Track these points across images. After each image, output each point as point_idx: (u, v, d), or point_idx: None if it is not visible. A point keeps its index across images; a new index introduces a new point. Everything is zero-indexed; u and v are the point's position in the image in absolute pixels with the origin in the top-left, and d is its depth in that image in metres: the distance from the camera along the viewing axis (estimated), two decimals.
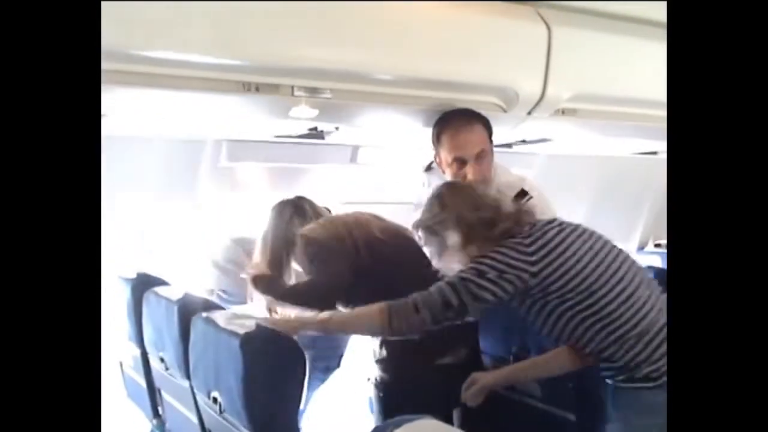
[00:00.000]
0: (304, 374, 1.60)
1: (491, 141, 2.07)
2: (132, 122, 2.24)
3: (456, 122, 2.05)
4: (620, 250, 1.65)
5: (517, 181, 2.00)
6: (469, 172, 1.99)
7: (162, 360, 2.05)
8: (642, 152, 3.25)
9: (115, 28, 1.47)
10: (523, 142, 2.81)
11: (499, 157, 2.14)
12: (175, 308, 1.92)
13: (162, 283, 2.23)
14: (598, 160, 3.37)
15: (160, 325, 2.04)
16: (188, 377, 1.86)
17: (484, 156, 2.02)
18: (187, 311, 1.88)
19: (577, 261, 1.54)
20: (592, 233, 1.64)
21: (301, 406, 1.61)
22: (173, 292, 2.05)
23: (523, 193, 1.95)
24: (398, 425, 1.11)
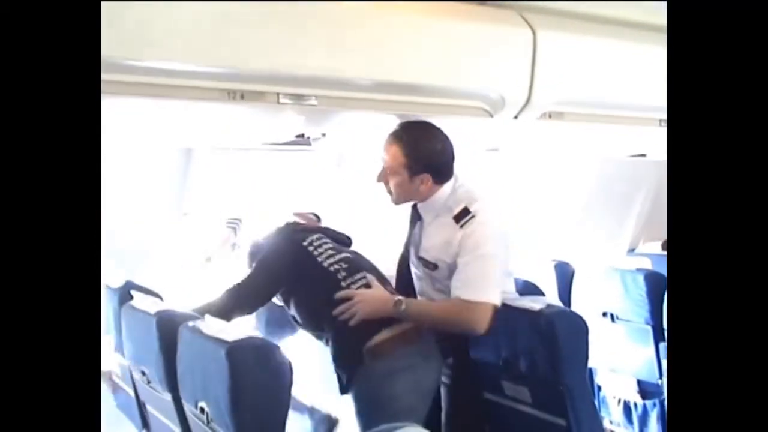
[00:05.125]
0: (292, 383, 1.59)
1: (410, 167, 2.04)
2: (118, 131, 2.22)
3: (390, 134, 2.09)
4: None
5: (466, 198, 2.01)
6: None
7: (143, 373, 2.02)
8: (631, 155, 3.25)
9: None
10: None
11: (489, 160, 2.14)
12: (154, 321, 1.89)
13: (149, 292, 2.21)
14: (587, 162, 3.38)
15: (139, 338, 2.01)
16: (171, 390, 1.85)
17: (388, 173, 2.07)
18: (167, 324, 1.87)
19: None
20: None
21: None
22: (150, 304, 2.02)
23: (465, 212, 1.96)
24: None
